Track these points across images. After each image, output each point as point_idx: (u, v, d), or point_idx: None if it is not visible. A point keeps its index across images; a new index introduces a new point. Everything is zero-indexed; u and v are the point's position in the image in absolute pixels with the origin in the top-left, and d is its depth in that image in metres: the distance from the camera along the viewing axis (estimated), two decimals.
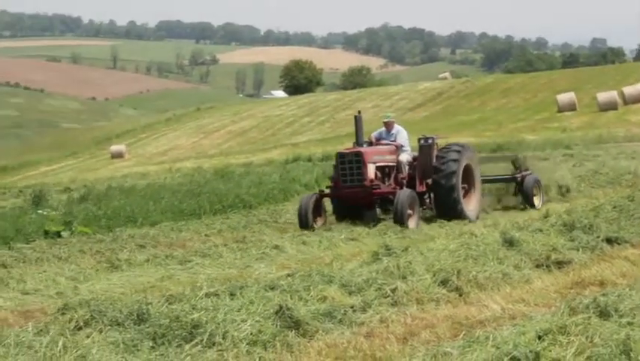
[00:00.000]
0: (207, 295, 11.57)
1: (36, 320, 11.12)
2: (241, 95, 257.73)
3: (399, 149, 25.36)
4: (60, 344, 9.16)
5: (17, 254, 19.66)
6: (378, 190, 23.80)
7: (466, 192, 25.57)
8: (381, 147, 25.37)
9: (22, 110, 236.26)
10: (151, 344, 9.54)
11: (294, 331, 10.30)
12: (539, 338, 8.73)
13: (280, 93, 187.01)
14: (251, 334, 9.81)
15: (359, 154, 23.68)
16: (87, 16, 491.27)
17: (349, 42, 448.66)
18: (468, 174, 25.53)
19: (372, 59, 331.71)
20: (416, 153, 25.64)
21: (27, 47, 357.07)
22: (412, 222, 22.84)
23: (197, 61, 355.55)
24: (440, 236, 19.70)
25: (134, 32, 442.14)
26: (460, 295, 12.82)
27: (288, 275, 13.85)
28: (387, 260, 14.79)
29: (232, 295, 11.61)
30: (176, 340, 9.64)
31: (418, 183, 24.96)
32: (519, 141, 52.34)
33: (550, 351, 8.28)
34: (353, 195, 23.89)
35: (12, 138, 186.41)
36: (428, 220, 24.02)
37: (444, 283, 13.15)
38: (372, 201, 24.11)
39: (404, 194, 23.23)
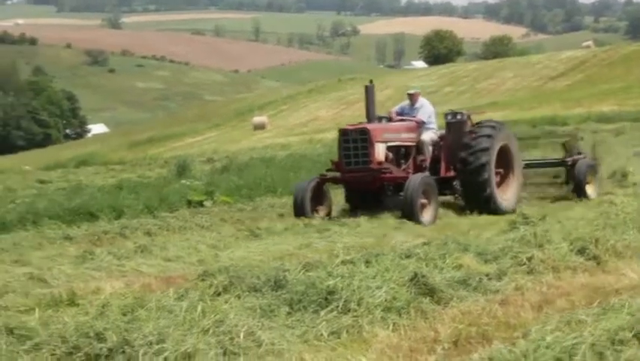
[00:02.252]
0: (343, 262, 11.64)
1: (177, 285, 11.34)
2: (382, 66, 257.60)
3: (421, 126, 21.33)
4: (199, 308, 9.31)
5: (161, 222, 20.07)
6: (389, 175, 19.98)
7: (503, 179, 21.70)
8: (396, 123, 21.48)
9: (168, 83, 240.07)
10: (287, 310, 9.65)
11: (428, 298, 10.28)
12: None
13: (420, 64, 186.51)
14: (385, 300, 9.83)
15: (365, 131, 19.84)
16: None
17: (490, 11, 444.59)
18: (505, 158, 21.52)
19: (513, 28, 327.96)
20: (444, 132, 21.87)
21: (171, 20, 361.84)
22: (426, 215, 19.09)
23: (337, 32, 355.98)
24: (578, 205, 19.59)
25: (275, 5, 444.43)
26: (598, 264, 12.61)
27: (424, 243, 13.88)
28: (524, 229, 14.88)
29: (368, 262, 11.65)
30: (312, 306, 9.71)
31: (443, 166, 21.21)
32: None
33: None
34: (358, 179, 20.18)
35: (158, 110, 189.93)
36: None
37: (581, 251, 12.95)
38: (382, 187, 20.30)
39: (416, 180, 19.15)
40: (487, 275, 11.52)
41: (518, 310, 9.93)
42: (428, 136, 21.15)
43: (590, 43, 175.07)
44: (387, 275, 10.72)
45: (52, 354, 8.15)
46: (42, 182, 42.97)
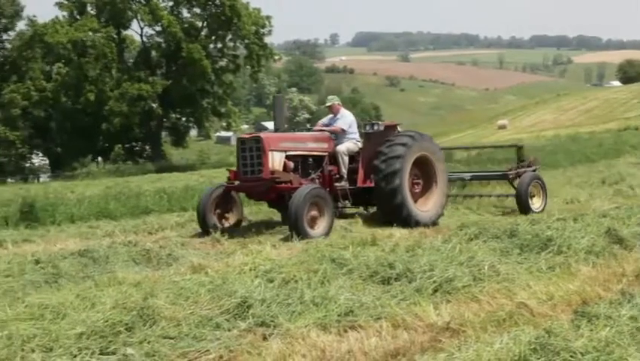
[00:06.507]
0: (558, 219, 11.47)
1: (443, 233, 11.36)
2: (588, 85, 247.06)
3: (338, 136, 15.04)
4: (457, 248, 9.38)
5: None
6: (284, 185, 13.59)
7: (424, 190, 15.11)
8: (300, 133, 15.68)
9: (440, 98, 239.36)
10: (518, 251, 9.55)
11: (618, 245, 9.98)
12: None
13: (616, 83, 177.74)
14: (587, 246, 9.61)
15: (258, 140, 13.63)
16: (483, 34, 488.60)
17: None
18: (426, 168, 15.07)
19: None
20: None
21: (443, 55, 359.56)
22: (318, 228, 12.88)
23: (557, 62, 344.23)
24: None
25: (514, 43, 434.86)
26: None
27: (616, 207, 13.62)
28: None
29: (575, 220, 11.43)
30: (536, 249, 9.60)
31: (360, 176, 14.89)
32: None
33: None
34: (254, 188, 13.91)
35: (433, 117, 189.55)
36: None
37: None
38: (282, 197, 13.61)
39: (302, 193, 12.79)
40: None
41: None
42: (344, 146, 14.94)
43: None
44: (589, 229, 10.56)
45: (360, 276, 8.32)
46: None
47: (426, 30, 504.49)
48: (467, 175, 17.66)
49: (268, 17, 70.57)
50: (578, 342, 5.52)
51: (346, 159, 14.85)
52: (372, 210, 15.43)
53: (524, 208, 15.46)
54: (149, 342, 6.19)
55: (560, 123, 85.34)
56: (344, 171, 14.77)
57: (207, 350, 6.13)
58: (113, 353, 5.99)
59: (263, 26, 70.07)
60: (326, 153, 14.71)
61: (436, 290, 7.77)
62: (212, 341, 6.28)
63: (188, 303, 7.14)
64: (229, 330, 6.57)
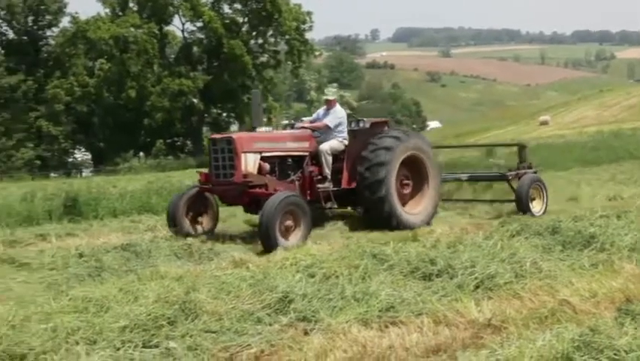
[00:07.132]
0: (601, 216, 11.42)
1: (485, 230, 11.32)
2: (631, 81, 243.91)
3: (324, 133, 13.77)
4: (499, 245, 9.36)
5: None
6: (258, 190, 12.37)
7: (415, 190, 14.14)
8: (278, 132, 14.32)
9: (481, 93, 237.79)
10: (560, 248, 9.51)
11: None
12: None
13: None
14: (631, 243, 9.54)
15: (230, 141, 12.52)
16: (524, 29, 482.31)
17: None
18: (416, 168, 14.06)
19: None
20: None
21: (484, 51, 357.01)
22: (292, 238, 11.65)
23: (600, 57, 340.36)
24: None
25: (556, 39, 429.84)
26: None
27: None
28: None
29: (618, 217, 11.41)
30: (578, 246, 9.55)
31: (345, 177, 13.69)
32: None
33: None
34: (227, 192, 12.80)
35: (474, 113, 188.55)
36: None
37: None
38: (257, 201, 12.25)
39: (274, 201, 11.53)
40: None
41: None
42: (328, 145, 13.59)
43: None
44: (633, 225, 10.55)
45: (401, 272, 8.32)
46: None
47: (467, 25, 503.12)
48: (464, 176, 16.61)
49: (309, 13, 70.71)
50: (622, 340, 5.46)
51: (330, 158, 13.62)
52: (361, 210, 14.30)
53: (524, 211, 14.38)
54: (191, 336, 6.24)
55: (603, 119, 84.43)
56: (327, 171, 13.57)
57: (249, 345, 6.16)
58: (156, 347, 6.05)
59: (304, 22, 70.21)
60: (307, 153, 13.52)
61: (477, 287, 7.74)
62: (253, 336, 6.31)
63: (230, 297, 7.19)
64: (270, 325, 6.60)
